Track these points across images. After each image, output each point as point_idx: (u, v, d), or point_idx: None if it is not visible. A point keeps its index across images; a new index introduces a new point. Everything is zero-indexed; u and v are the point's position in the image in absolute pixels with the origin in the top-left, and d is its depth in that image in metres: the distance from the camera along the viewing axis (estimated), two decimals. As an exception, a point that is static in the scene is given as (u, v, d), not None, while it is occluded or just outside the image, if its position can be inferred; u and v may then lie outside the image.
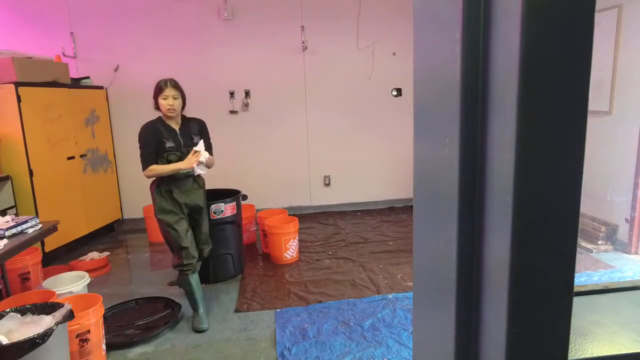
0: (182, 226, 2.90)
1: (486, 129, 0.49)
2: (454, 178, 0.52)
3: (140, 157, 2.78)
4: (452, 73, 0.50)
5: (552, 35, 0.42)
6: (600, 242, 3.92)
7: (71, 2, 4.73)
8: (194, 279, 2.98)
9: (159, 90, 2.77)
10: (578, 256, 3.51)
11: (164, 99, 2.76)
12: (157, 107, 2.81)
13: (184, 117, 2.95)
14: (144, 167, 2.77)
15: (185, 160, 2.80)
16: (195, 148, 2.80)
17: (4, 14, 4.69)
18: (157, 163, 2.81)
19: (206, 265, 3.56)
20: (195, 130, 2.95)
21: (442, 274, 0.57)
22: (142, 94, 4.97)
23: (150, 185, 2.95)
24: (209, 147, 2.96)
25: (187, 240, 2.90)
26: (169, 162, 2.82)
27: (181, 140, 2.86)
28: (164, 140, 2.79)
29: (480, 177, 0.51)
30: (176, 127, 2.88)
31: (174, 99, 2.78)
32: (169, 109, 2.77)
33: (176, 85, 2.80)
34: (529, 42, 0.42)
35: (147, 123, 2.82)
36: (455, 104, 0.50)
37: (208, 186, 4.11)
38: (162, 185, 2.88)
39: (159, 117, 2.87)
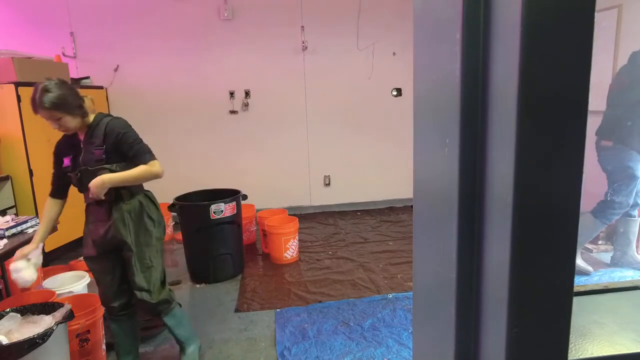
0: (98, 265, 2.24)
1: (486, 129, 0.49)
2: (454, 178, 0.52)
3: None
4: (452, 73, 0.50)
5: (552, 35, 0.42)
6: (600, 242, 3.92)
7: (71, 2, 4.72)
8: (121, 326, 2.34)
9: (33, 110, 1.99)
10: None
11: (46, 119, 2.00)
12: None
13: (94, 120, 2.13)
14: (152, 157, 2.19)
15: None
16: (16, 264, 2.09)
17: (4, 13, 4.69)
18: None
19: (206, 265, 3.56)
20: (98, 139, 2.08)
21: (442, 274, 0.57)
22: (142, 94, 4.97)
23: None
24: (134, 156, 2.09)
25: (105, 283, 2.26)
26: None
27: (82, 155, 2.11)
28: (62, 156, 2.16)
29: (480, 177, 0.51)
30: (82, 137, 2.13)
31: (56, 119, 1.98)
32: (59, 130, 2.06)
33: (50, 104, 1.93)
34: (529, 42, 0.42)
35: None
36: (455, 104, 0.50)
37: (208, 186, 4.14)
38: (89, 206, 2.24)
39: None
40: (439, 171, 0.56)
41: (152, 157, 2.12)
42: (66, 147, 2.13)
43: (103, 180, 2.02)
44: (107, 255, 2.21)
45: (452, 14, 0.49)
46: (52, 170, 2.22)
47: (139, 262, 2.20)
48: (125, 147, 2.08)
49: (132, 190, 2.18)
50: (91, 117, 2.13)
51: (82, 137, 2.10)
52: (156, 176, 2.12)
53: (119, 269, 2.24)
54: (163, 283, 2.32)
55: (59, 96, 1.96)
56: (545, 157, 0.44)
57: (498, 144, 0.47)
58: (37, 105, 1.92)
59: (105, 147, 2.06)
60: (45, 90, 1.93)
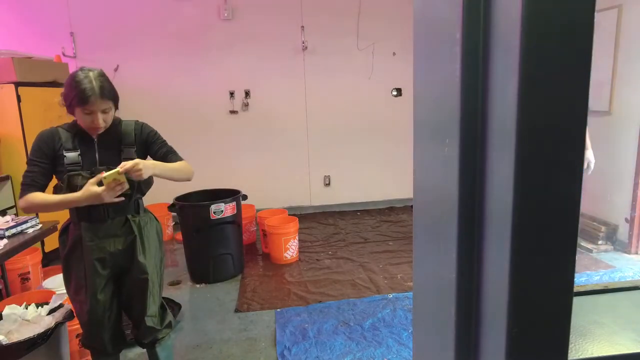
0: (102, 297, 1.86)
1: (486, 129, 0.49)
2: (454, 178, 0.52)
3: (23, 177, 1.77)
4: (452, 73, 0.50)
5: (552, 35, 0.42)
6: (600, 242, 3.92)
7: (71, 2, 4.72)
8: None
9: (79, 99, 1.67)
10: (578, 256, 3.51)
11: (87, 113, 1.70)
12: (72, 113, 1.77)
13: (112, 121, 1.87)
14: (21, 194, 1.74)
15: (84, 189, 1.68)
16: (105, 173, 1.67)
17: (4, 13, 4.68)
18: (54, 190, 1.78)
19: (206, 265, 3.56)
20: (128, 137, 1.88)
21: (442, 274, 0.57)
22: (142, 94, 4.97)
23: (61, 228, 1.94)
24: (165, 154, 1.95)
25: (102, 320, 1.87)
26: (74, 188, 1.73)
27: (96, 154, 1.81)
28: (64, 152, 1.76)
29: (480, 177, 0.51)
30: (93, 135, 1.83)
31: (104, 113, 1.74)
32: (95, 128, 1.76)
33: (109, 92, 1.73)
34: (529, 41, 0.42)
35: (45, 129, 1.83)
36: (455, 104, 0.50)
37: (208, 186, 4.14)
38: (71, 228, 1.86)
39: (74, 121, 1.83)
40: (439, 171, 0.56)
41: (182, 158, 2.00)
42: (68, 140, 1.79)
43: (154, 164, 1.80)
44: (109, 282, 1.87)
45: (452, 14, 0.49)
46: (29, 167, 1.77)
47: (154, 285, 1.92)
48: (157, 146, 1.95)
49: (142, 203, 1.98)
50: None
51: (93, 135, 1.81)
52: (191, 176, 1.98)
53: (116, 300, 1.91)
54: (163, 304, 2.06)
55: (113, 87, 1.79)
56: (545, 158, 0.44)
57: (498, 144, 0.47)
58: (96, 93, 1.67)
59: (136, 146, 1.89)
60: (103, 77, 1.74)
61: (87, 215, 1.80)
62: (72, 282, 1.86)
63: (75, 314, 1.91)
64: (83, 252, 1.80)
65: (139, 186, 1.86)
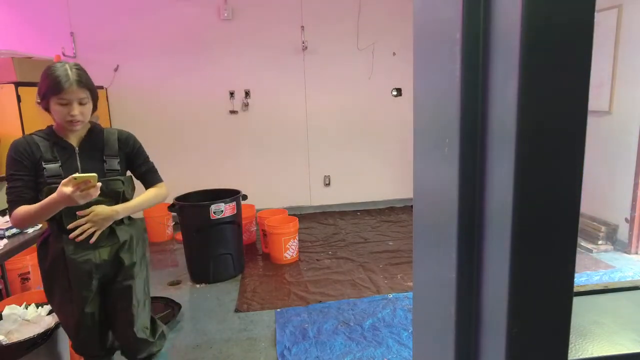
0: (90, 307, 1.77)
1: (486, 129, 0.49)
2: (454, 178, 0.52)
3: (7, 195, 1.67)
4: (452, 73, 0.50)
5: (552, 34, 0.42)
6: (600, 242, 3.92)
7: (71, 2, 4.72)
8: None
9: (54, 88, 1.60)
10: (578, 256, 3.50)
11: (63, 104, 1.61)
12: (47, 109, 1.68)
13: (93, 128, 1.80)
14: (9, 212, 1.66)
15: (57, 190, 1.55)
16: (76, 174, 1.55)
17: (4, 13, 4.68)
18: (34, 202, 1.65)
19: (206, 265, 3.56)
20: (111, 146, 1.79)
21: (442, 274, 0.57)
22: (142, 94, 4.97)
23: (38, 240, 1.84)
24: (145, 173, 1.90)
25: (91, 329, 1.80)
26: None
27: (78, 164, 1.72)
28: (43, 164, 1.66)
29: (480, 177, 0.51)
30: (75, 142, 1.74)
31: (81, 104, 1.64)
32: (71, 121, 1.65)
33: (86, 82, 1.65)
34: (528, 41, 0.42)
35: (19, 139, 1.71)
36: (455, 104, 0.50)
37: (208, 186, 4.14)
38: (51, 240, 1.75)
39: (49, 127, 1.76)
40: (439, 171, 0.56)
41: (161, 177, 1.94)
42: (47, 150, 1.68)
43: (117, 211, 1.73)
44: (96, 293, 1.79)
45: (452, 14, 0.49)
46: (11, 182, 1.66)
47: (141, 292, 1.85)
48: (140, 161, 1.88)
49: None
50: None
51: (73, 143, 1.73)
52: (163, 200, 1.94)
53: (102, 309, 1.83)
54: (152, 316, 1.99)
55: (90, 79, 1.71)
56: (545, 158, 0.44)
57: (498, 144, 0.47)
58: (71, 80, 1.59)
59: (119, 157, 1.81)
60: (78, 67, 1.66)
61: (69, 222, 1.69)
62: (55, 296, 1.77)
63: (62, 325, 1.85)
64: (67, 265, 1.70)
65: (124, 196, 1.79)
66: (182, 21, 4.90)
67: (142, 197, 1.86)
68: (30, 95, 3.79)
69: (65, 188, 1.51)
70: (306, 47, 5.11)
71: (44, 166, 1.66)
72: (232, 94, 5.11)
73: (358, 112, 5.37)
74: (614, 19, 3.74)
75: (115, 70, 4.86)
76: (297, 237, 3.97)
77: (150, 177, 1.91)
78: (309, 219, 5.25)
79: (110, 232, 1.78)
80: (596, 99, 3.93)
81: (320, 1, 5.07)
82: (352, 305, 3.10)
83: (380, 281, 3.48)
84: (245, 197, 3.77)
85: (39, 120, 3.74)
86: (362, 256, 4.03)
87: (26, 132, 3.71)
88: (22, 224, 1.66)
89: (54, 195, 1.55)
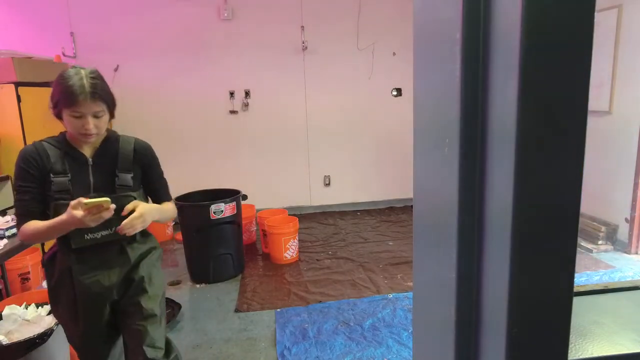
0: (97, 331, 1.65)
1: (486, 129, 0.49)
2: (454, 178, 0.52)
3: (15, 207, 1.58)
4: (452, 73, 0.50)
5: (552, 35, 0.42)
6: (600, 242, 3.92)
7: (71, 2, 4.72)
8: None
9: (66, 100, 1.47)
10: (578, 256, 3.50)
11: (77, 116, 1.48)
12: (59, 117, 1.55)
13: (109, 137, 1.65)
14: (17, 226, 1.56)
15: (66, 212, 1.41)
16: (85, 199, 1.40)
17: (4, 13, 4.69)
18: (45, 218, 1.53)
19: (206, 265, 3.56)
20: (125, 159, 1.63)
21: (442, 274, 0.57)
22: (142, 94, 4.97)
23: (43, 257, 1.71)
24: (158, 190, 1.75)
25: (92, 345, 1.68)
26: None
27: (90, 178, 1.58)
28: (51, 176, 1.53)
29: (480, 177, 0.51)
30: (88, 153, 1.60)
31: (96, 117, 1.50)
32: (85, 134, 1.51)
33: (102, 94, 1.49)
34: (528, 42, 0.42)
35: (29, 147, 1.59)
36: (455, 104, 0.50)
37: (208, 186, 4.14)
38: (59, 258, 1.61)
39: (62, 134, 1.63)
40: (439, 171, 0.56)
41: (171, 196, 1.83)
42: (57, 160, 1.55)
43: (154, 212, 1.60)
44: (105, 314, 1.64)
45: (452, 14, 0.49)
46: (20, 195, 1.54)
47: (153, 308, 1.67)
48: (155, 176, 1.74)
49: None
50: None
51: (87, 154, 1.60)
52: (174, 216, 1.83)
53: (111, 325, 1.68)
54: (168, 339, 1.81)
55: (108, 89, 1.55)
56: (545, 156, 0.44)
57: (498, 144, 0.47)
58: (86, 92, 1.45)
59: (133, 171, 1.65)
60: (94, 76, 1.50)
61: (77, 241, 1.54)
62: (60, 311, 1.65)
63: (66, 337, 1.73)
64: (74, 286, 1.57)
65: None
66: (182, 21, 4.90)
67: (166, 206, 1.74)
68: (31, 95, 3.78)
69: (75, 212, 1.38)
70: (306, 47, 5.11)
71: (52, 179, 1.52)
72: (232, 94, 5.11)
73: (358, 112, 5.37)
74: (614, 19, 3.74)
75: (115, 70, 4.86)
76: (297, 237, 3.97)
77: (163, 195, 1.77)
78: (309, 219, 5.25)
79: (121, 251, 1.63)
80: (596, 99, 3.93)
81: (320, 1, 5.07)
82: (352, 305, 3.10)
83: (380, 281, 3.48)
84: (245, 197, 3.77)
85: (39, 120, 3.73)
86: (362, 256, 4.03)
87: (26, 132, 3.72)
88: (30, 240, 1.56)
89: (63, 217, 1.42)
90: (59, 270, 1.60)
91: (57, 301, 1.64)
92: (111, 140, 1.65)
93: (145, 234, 1.73)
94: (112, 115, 1.58)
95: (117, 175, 1.61)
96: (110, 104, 1.55)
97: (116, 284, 1.62)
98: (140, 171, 1.68)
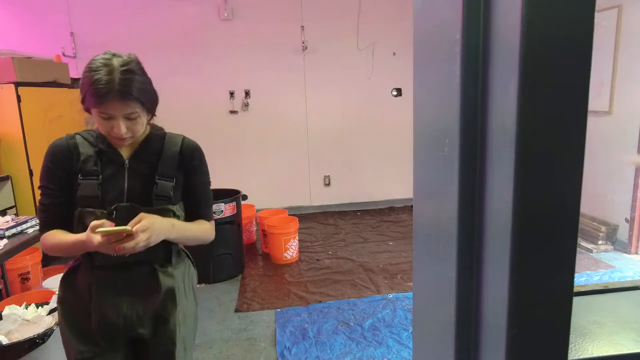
0: None
1: (486, 129, 0.49)
2: (454, 178, 0.52)
3: (37, 211, 1.42)
4: (452, 73, 0.50)
5: (552, 35, 0.42)
6: (600, 242, 3.92)
7: (71, 2, 4.73)
8: None
9: (92, 98, 1.20)
10: (578, 256, 3.51)
11: (105, 118, 1.23)
12: (88, 111, 1.30)
13: (152, 135, 1.39)
14: (40, 232, 1.33)
15: (86, 233, 1.17)
16: (102, 227, 1.15)
17: (4, 14, 4.69)
18: (68, 227, 1.31)
19: (206, 265, 3.56)
20: (170, 162, 1.36)
21: (442, 274, 0.57)
22: (142, 94, 4.98)
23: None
24: (198, 202, 1.44)
25: None
26: (86, 229, 1.19)
27: (125, 183, 1.32)
28: (80, 178, 1.29)
29: (480, 177, 0.51)
30: (126, 153, 1.35)
31: (129, 119, 1.24)
32: (116, 138, 1.27)
33: (137, 92, 1.21)
34: (528, 42, 0.42)
35: (59, 140, 1.35)
36: (455, 104, 0.50)
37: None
38: (81, 271, 1.36)
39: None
40: (439, 171, 0.56)
41: (213, 216, 1.51)
42: (89, 159, 1.31)
43: (173, 226, 1.29)
44: (121, 348, 1.38)
45: (452, 14, 0.49)
46: (43, 198, 1.33)
47: (184, 351, 1.44)
48: (197, 185, 1.43)
49: (181, 247, 1.49)
50: (146, 126, 1.37)
51: (124, 154, 1.35)
52: (206, 242, 1.49)
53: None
54: None
55: (147, 83, 1.26)
56: (545, 158, 0.44)
57: (498, 144, 0.47)
58: (115, 90, 1.17)
59: (176, 178, 1.36)
60: (128, 69, 1.20)
61: (100, 258, 1.30)
62: (66, 334, 1.37)
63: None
64: (92, 307, 1.31)
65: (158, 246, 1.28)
66: (182, 21, 4.90)
67: (199, 226, 1.42)
68: (31, 95, 3.78)
69: (93, 236, 1.14)
70: (306, 47, 5.11)
71: (80, 181, 1.29)
72: (232, 94, 5.11)
73: (358, 112, 5.37)
74: (614, 19, 3.74)
75: (115, 70, 4.85)
76: (297, 237, 3.97)
77: (204, 210, 1.45)
78: (309, 219, 5.25)
79: (151, 276, 1.35)
80: (596, 99, 3.93)
81: (320, 1, 5.07)
82: (352, 305, 3.10)
83: (380, 281, 3.48)
84: (245, 197, 3.77)
85: (39, 120, 3.73)
86: (362, 256, 4.03)
87: (26, 132, 3.72)
88: (51, 253, 1.32)
89: (82, 237, 1.19)
90: (78, 287, 1.35)
91: (66, 320, 1.37)
92: (154, 138, 1.38)
93: (180, 253, 1.46)
94: (151, 114, 1.34)
95: (155, 182, 1.33)
96: (148, 103, 1.27)
97: (141, 317, 1.34)
98: (183, 178, 1.40)
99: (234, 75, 5.08)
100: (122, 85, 1.18)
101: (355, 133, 5.41)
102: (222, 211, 3.49)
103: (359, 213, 5.45)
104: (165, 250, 1.38)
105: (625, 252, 3.83)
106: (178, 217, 1.36)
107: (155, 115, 1.36)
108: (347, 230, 4.82)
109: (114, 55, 1.24)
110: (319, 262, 3.94)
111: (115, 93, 1.17)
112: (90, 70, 1.22)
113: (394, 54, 5.29)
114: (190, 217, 1.42)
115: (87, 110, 1.28)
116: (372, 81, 5.32)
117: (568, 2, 0.41)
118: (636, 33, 3.60)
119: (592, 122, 3.55)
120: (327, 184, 5.51)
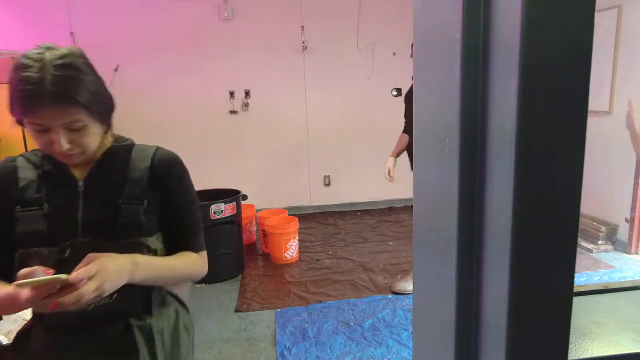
0: None
1: (486, 129, 0.49)
2: (454, 177, 0.52)
3: None
4: (452, 73, 0.50)
5: (552, 35, 0.42)
6: (600, 242, 3.92)
7: (71, 2, 4.73)
8: None
9: (19, 104, 0.89)
10: (578, 256, 3.49)
11: (39, 130, 0.92)
12: (20, 123, 0.97)
13: (114, 148, 1.10)
14: None
15: (9, 290, 0.89)
16: (37, 277, 0.82)
17: (4, 14, 4.69)
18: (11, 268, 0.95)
19: (206, 265, 3.56)
20: (136, 182, 1.07)
21: (442, 274, 0.57)
22: (142, 94, 4.97)
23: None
24: (184, 228, 1.18)
25: None
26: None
27: (79, 213, 1.02)
28: (18, 209, 0.99)
29: (480, 177, 0.51)
30: (79, 174, 1.05)
31: (72, 130, 0.94)
32: (60, 154, 0.97)
33: (77, 94, 0.90)
34: (528, 42, 0.42)
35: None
36: (455, 104, 0.50)
37: (208, 186, 4.14)
38: (34, 336, 1.07)
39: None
40: (439, 171, 0.56)
41: (204, 244, 1.23)
42: (31, 184, 1.02)
43: (137, 264, 0.96)
44: None
45: (452, 14, 0.49)
46: None
47: None
48: (181, 207, 1.16)
49: (165, 288, 1.18)
50: (107, 138, 1.09)
51: (77, 174, 1.05)
52: (196, 278, 1.21)
53: None
54: None
55: (94, 82, 0.96)
56: (545, 158, 0.44)
57: (498, 144, 0.47)
58: (43, 92, 0.87)
59: (148, 200, 1.06)
60: (64, 63, 0.90)
61: (51, 318, 1.00)
62: None
63: None
64: None
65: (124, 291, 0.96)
66: (182, 21, 4.90)
67: (181, 260, 1.12)
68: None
69: (19, 290, 0.83)
70: (306, 47, 5.11)
71: (18, 213, 0.98)
72: (232, 94, 5.11)
73: (358, 112, 5.37)
74: (614, 19, 3.74)
75: (115, 70, 4.86)
76: (297, 237, 3.97)
77: (187, 238, 1.16)
78: (309, 219, 5.25)
79: (126, 334, 1.04)
80: (596, 99, 3.93)
81: (320, 1, 5.07)
82: (352, 305, 3.10)
83: (380, 281, 3.48)
84: (245, 197, 3.77)
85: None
86: (362, 256, 4.03)
87: (26, 132, 3.71)
88: None
89: (10, 291, 0.88)
90: (34, 354, 1.03)
91: None
92: (118, 152, 1.08)
93: (164, 300, 1.14)
94: (105, 124, 1.03)
95: (119, 207, 1.02)
96: (97, 108, 0.96)
97: None
98: (160, 200, 1.09)
99: (233, 75, 5.08)
100: (56, 86, 0.87)
101: (355, 133, 5.41)
102: (222, 211, 3.49)
103: (359, 213, 5.45)
104: (142, 296, 1.06)
105: (625, 252, 3.83)
106: (155, 252, 1.06)
107: (112, 125, 1.07)
108: (347, 230, 4.82)
109: (47, 48, 0.91)
110: (319, 262, 3.94)
111: (47, 96, 0.87)
112: (16, 67, 0.89)
113: (394, 54, 5.29)
114: (174, 250, 1.12)
115: (20, 122, 0.95)
116: (372, 81, 5.32)
117: (568, 2, 0.41)
118: (636, 33, 3.59)
119: (592, 122, 3.55)
120: (327, 184, 5.51)
